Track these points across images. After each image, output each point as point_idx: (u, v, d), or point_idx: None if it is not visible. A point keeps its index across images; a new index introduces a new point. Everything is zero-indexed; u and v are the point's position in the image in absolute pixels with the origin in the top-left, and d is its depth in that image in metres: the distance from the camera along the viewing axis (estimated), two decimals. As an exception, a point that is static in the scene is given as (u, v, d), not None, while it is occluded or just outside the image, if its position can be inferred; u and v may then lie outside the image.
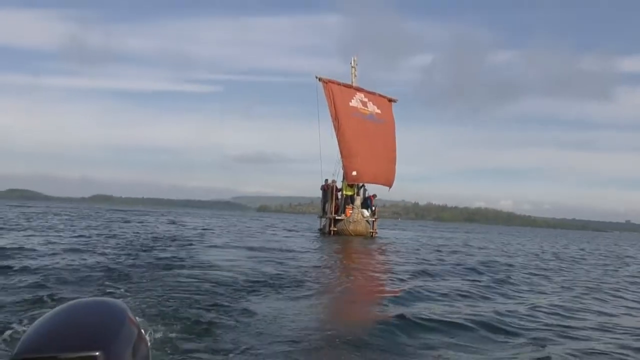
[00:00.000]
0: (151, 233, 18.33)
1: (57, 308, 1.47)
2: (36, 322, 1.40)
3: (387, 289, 8.64)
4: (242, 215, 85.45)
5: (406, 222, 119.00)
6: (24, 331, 1.40)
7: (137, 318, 1.49)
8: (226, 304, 6.09)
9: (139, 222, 27.47)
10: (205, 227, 26.17)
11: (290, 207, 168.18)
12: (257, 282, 7.87)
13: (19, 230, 16.62)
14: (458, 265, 13.01)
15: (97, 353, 1.27)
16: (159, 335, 4.40)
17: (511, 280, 10.45)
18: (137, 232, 18.46)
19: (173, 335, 4.56)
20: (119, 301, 1.56)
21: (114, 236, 15.95)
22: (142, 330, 1.50)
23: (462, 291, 8.34)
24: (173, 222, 30.15)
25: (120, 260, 9.63)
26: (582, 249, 29.36)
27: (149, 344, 1.55)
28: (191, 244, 14.33)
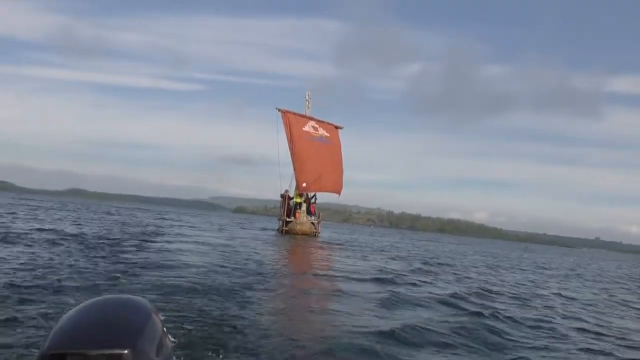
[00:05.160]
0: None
1: (84, 304, 1.56)
2: (64, 318, 1.48)
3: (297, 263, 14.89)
4: (212, 215, 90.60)
5: (376, 230, 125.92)
6: (52, 326, 1.46)
7: (160, 315, 1.62)
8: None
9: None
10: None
11: (266, 210, 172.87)
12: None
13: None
14: (354, 250, 19.41)
15: (125, 351, 1.36)
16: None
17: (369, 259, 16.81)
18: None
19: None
20: (143, 298, 1.68)
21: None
22: (165, 329, 1.62)
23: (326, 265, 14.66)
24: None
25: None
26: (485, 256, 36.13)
27: (171, 342, 1.66)
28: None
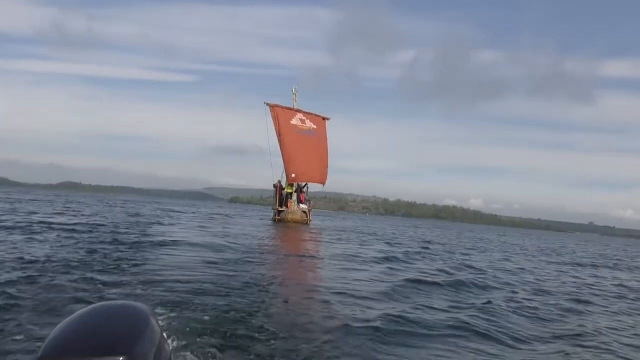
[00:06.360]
0: None
1: (81, 311, 1.54)
2: (60, 325, 1.47)
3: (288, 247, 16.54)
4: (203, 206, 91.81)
5: (371, 217, 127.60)
6: (48, 334, 1.43)
7: (159, 322, 1.61)
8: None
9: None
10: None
11: (262, 200, 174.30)
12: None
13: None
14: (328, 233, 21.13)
15: (121, 358, 1.35)
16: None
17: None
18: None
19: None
20: (142, 305, 1.65)
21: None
22: (165, 334, 1.60)
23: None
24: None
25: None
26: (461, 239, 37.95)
27: (171, 347, 1.64)
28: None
